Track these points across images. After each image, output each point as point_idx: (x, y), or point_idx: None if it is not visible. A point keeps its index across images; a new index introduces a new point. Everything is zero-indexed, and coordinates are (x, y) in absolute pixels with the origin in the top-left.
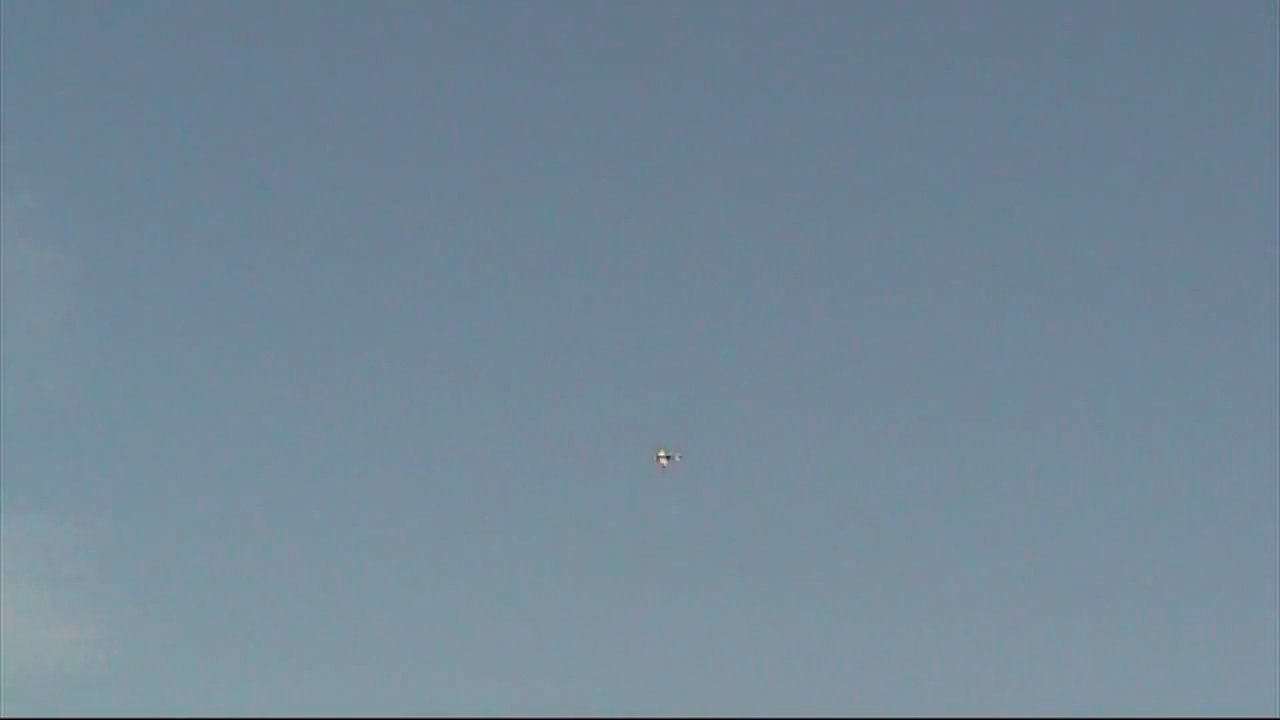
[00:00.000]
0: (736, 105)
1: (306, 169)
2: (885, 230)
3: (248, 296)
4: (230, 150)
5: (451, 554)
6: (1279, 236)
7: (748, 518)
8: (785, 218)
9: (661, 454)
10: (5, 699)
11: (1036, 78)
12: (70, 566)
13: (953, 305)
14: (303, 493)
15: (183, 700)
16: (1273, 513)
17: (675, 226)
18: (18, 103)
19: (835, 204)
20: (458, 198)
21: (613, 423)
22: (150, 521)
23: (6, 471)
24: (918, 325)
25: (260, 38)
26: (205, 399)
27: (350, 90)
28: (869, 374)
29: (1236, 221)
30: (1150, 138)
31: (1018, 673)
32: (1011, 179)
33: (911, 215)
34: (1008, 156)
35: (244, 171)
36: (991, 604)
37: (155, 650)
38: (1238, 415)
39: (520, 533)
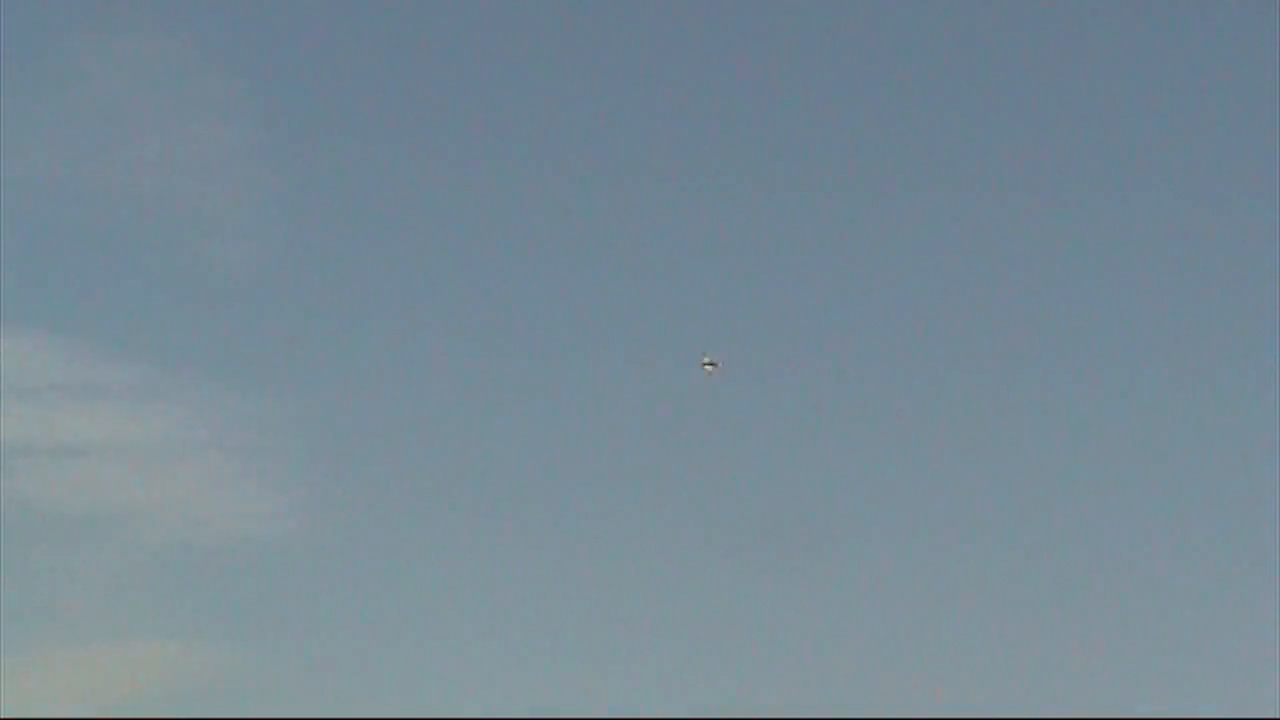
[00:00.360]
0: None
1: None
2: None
3: (429, 135)
4: None
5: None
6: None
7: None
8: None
9: (706, 361)
10: (204, 569)
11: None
12: (266, 439)
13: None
14: (492, 356)
15: (376, 570)
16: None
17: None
18: None
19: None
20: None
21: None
22: (344, 394)
23: (203, 345)
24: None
25: None
26: (395, 265)
27: None
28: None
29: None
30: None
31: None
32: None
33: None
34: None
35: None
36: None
37: (349, 521)
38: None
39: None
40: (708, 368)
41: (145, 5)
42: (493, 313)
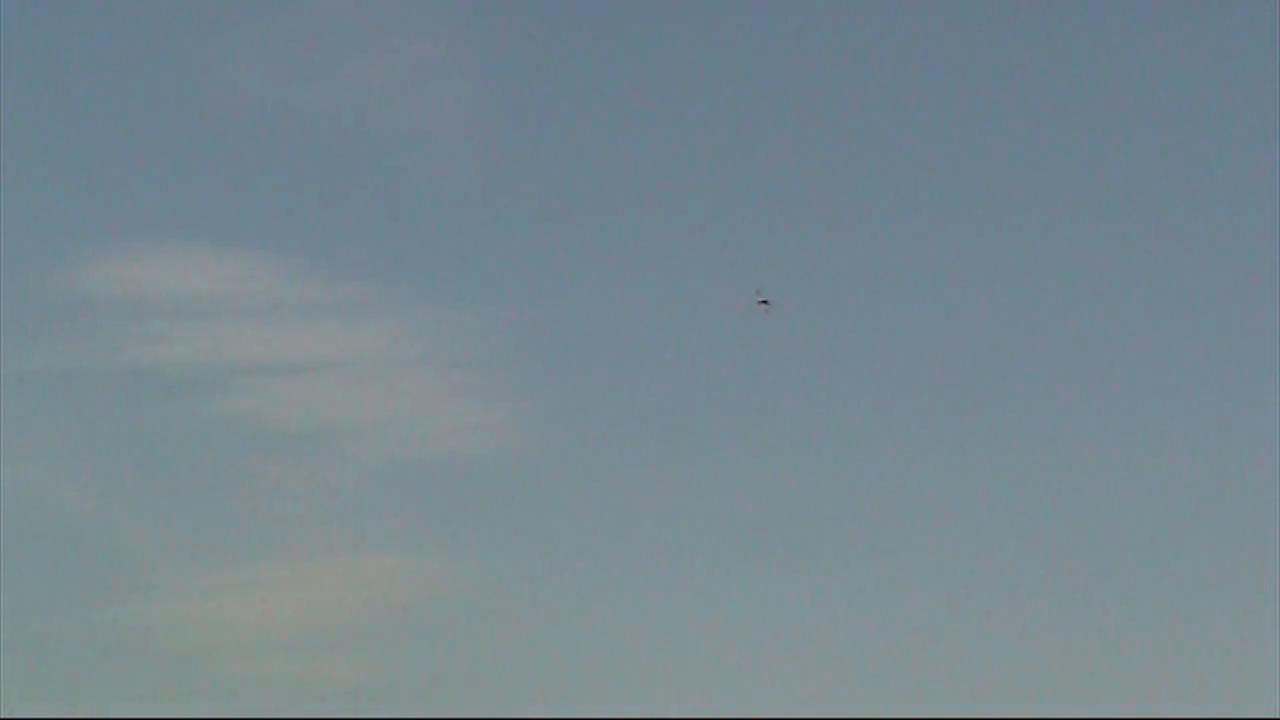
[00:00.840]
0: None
1: None
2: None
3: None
4: None
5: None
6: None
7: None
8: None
9: (760, 297)
10: (425, 483)
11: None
12: (485, 353)
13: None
14: (706, 266)
15: (593, 482)
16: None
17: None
18: None
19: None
20: None
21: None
22: (560, 307)
23: (419, 261)
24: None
25: None
26: (606, 177)
27: None
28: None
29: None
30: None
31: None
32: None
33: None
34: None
35: None
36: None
37: (566, 433)
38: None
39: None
40: (762, 305)
41: None
42: (704, 225)
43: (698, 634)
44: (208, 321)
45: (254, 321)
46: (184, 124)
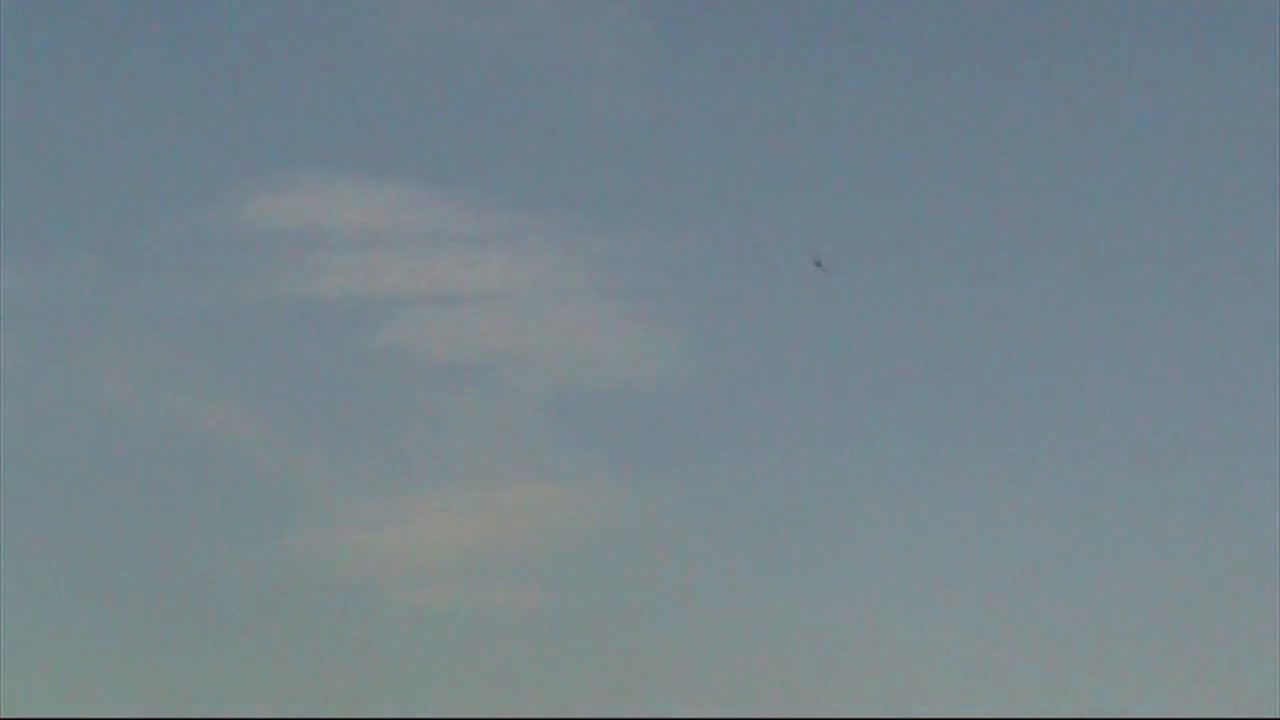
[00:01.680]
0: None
1: None
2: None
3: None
4: None
5: None
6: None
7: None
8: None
9: (816, 260)
10: (588, 413)
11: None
12: (647, 281)
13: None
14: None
15: (760, 412)
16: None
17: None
18: None
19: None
20: None
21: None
22: (723, 236)
23: (580, 190)
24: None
25: None
26: (767, 107)
27: None
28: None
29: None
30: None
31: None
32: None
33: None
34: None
35: None
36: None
37: (731, 362)
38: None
39: None
40: (817, 267)
41: None
42: (861, 163)
43: (868, 564)
44: (366, 252)
45: (413, 252)
46: (341, 54)
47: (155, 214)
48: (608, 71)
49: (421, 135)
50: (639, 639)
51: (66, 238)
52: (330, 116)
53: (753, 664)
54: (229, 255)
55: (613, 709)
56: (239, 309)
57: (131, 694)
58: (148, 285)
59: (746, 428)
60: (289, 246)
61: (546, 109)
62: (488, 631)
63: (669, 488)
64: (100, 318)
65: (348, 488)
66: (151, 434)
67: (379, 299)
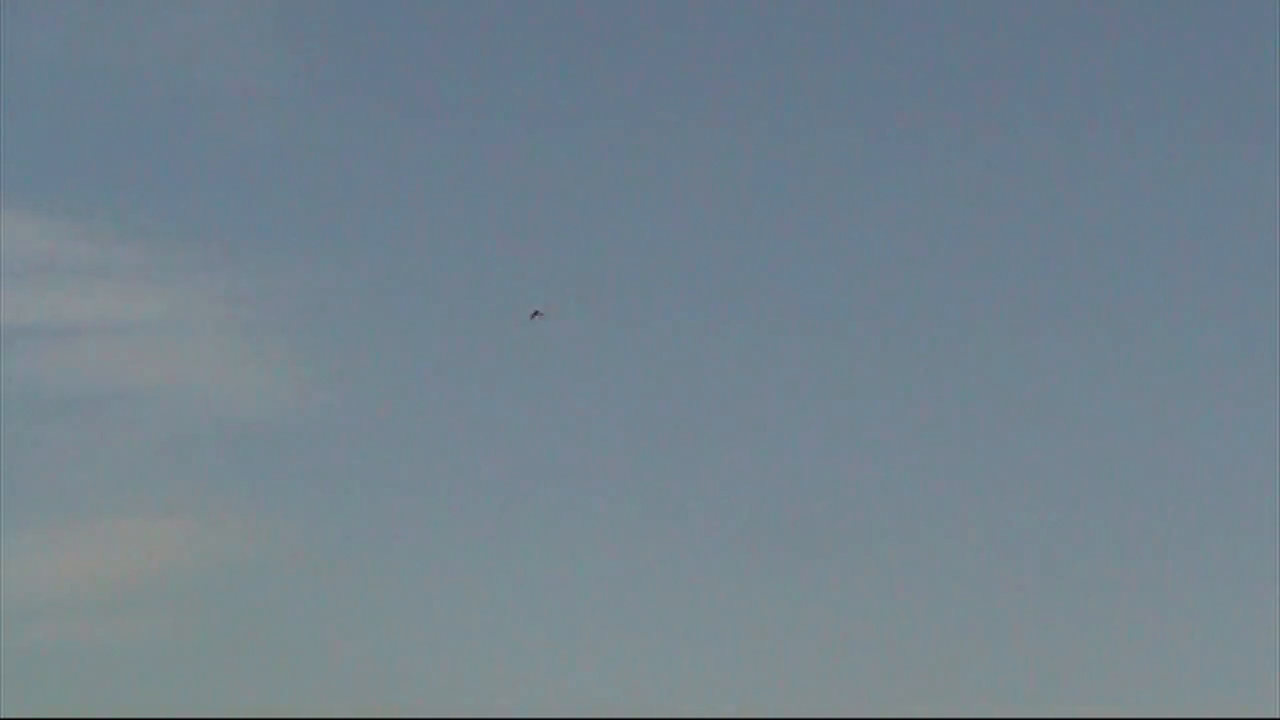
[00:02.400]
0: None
1: None
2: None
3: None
4: None
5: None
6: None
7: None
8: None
9: (535, 310)
10: (208, 450)
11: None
12: (271, 317)
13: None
14: (506, 236)
15: (385, 452)
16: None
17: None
18: None
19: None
20: None
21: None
22: (351, 273)
23: (206, 223)
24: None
25: None
26: (407, 145)
27: None
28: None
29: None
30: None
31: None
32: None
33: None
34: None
35: None
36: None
37: (355, 402)
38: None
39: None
40: (536, 316)
41: None
42: (508, 193)
43: (482, 604)
44: None
45: (29, 284)
46: None
47: None
48: (236, 101)
49: (37, 164)
50: (266, 673)
51: None
52: None
53: (385, 700)
54: None
55: None
56: None
57: None
58: None
59: (372, 464)
60: None
61: (169, 137)
62: (110, 668)
63: (293, 524)
64: None
65: None
66: None
67: None
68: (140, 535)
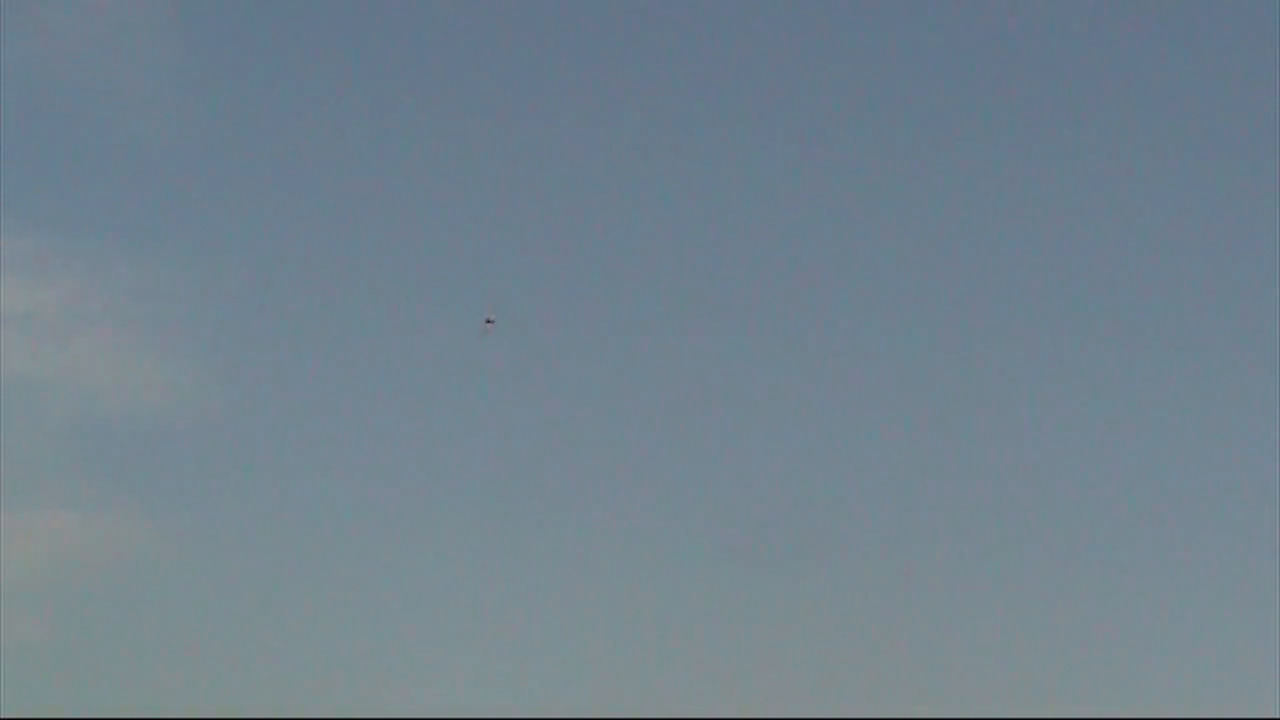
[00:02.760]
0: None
1: None
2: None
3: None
4: None
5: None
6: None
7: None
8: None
9: (488, 316)
10: (103, 441)
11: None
12: (166, 309)
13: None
14: (396, 231)
15: (275, 443)
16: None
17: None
18: None
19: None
20: None
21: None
22: (247, 266)
23: (102, 214)
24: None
25: None
26: (302, 136)
27: None
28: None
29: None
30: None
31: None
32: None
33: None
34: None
35: None
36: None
37: (248, 393)
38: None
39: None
40: (488, 324)
41: None
42: (402, 186)
43: (374, 597)
44: None
45: None
46: None
47: None
48: (140, 97)
49: None
50: (152, 671)
51: None
52: None
53: (268, 691)
54: None
55: None
56: None
57: None
58: None
59: (268, 460)
60: None
61: (77, 132)
62: None
63: (186, 518)
64: None
65: None
66: None
67: None
68: (35, 530)
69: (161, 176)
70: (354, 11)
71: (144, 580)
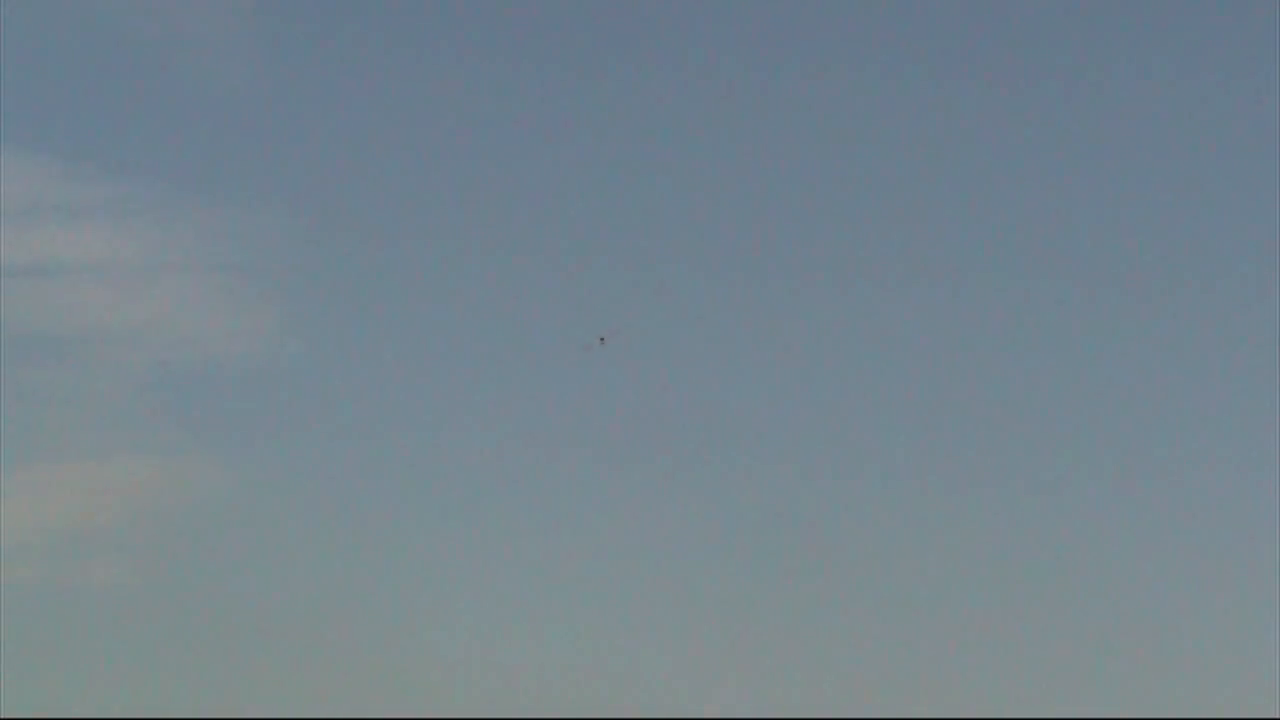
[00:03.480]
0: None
1: None
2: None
3: None
4: None
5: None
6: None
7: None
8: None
9: (601, 338)
10: (185, 387)
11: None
12: (247, 256)
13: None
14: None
15: (357, 388)
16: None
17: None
18: None
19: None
20: None
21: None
22: (327, 212)
23: (184, 162)
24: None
25: None
26: (378, 83)
27: None
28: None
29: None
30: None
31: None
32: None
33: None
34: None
35: None
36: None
37: (329, 338)
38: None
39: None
40: (600, 341)
41: None
42: (480, 132)
43: (455, 543)
44: None
45: (13, 223)
46: None
47: None
48: (217, 43)
49: (22, 103)
50: (235, 616)
51: None
52: None
53: (348, 640)
54: None
55: (205, 686)
56: None
57: None
58: None
59: (346, 406)
60: None
61: (154, 80)
62: (84, 607)
63: (265, 464)
64: None
65: None
66: None
67: None
68: (118, 477)
69: (239, 123)
70: None
71: (223, 525)
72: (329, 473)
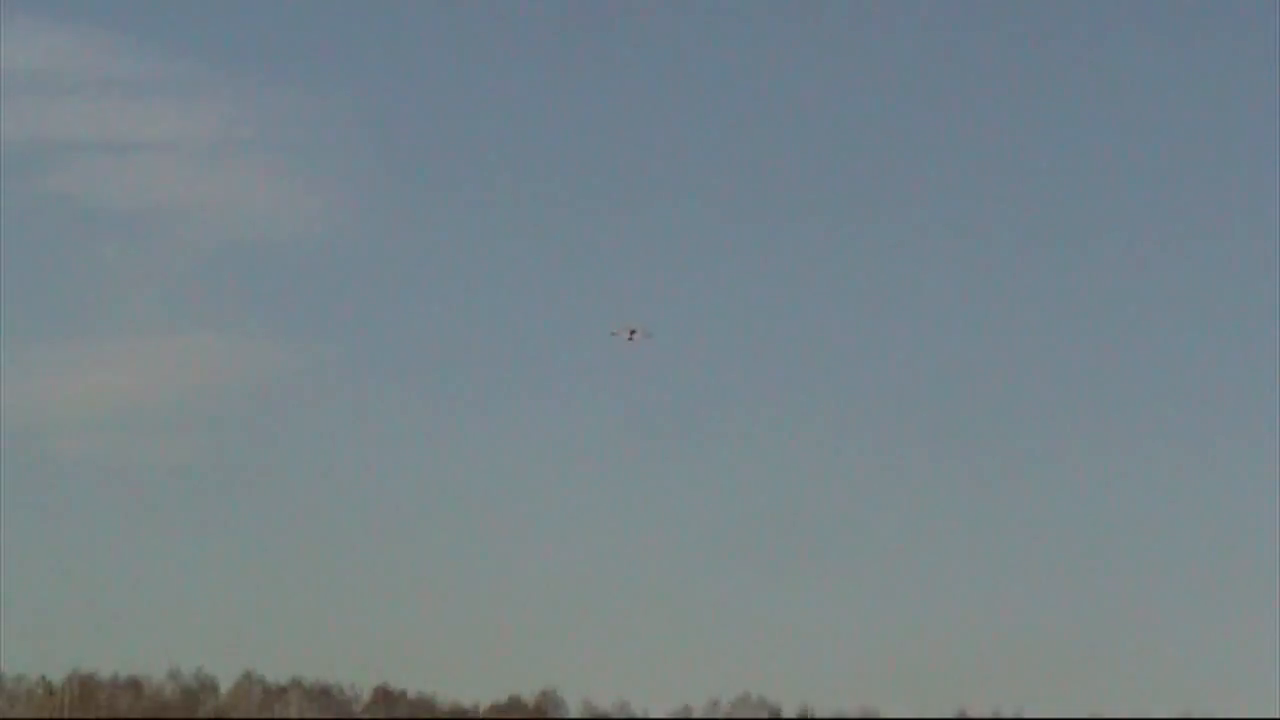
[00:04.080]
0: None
1: None
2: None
3: None
4: None
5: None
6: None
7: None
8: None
9: (630, 329)
10: (251, 265)
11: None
12: (315, 135)
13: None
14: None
15: (420, 269)
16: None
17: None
18: None
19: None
20: None
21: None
22: (394, 92)
23: (252, 40)
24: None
25: None
26: None
27: None
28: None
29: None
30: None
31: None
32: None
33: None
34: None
35: None
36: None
37: (394, 219)
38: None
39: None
40: (631, 335)
41: None
42: (553, 29)
43: (503, 427)
44: (37, 97)
45: (84, 98)
46: None
47: None
48: None
49: None
50: (293, 492)
51: None
52: None
53: (400, 513)
54: None
55: (270, 569)
56: None
57: None
58: None
59: (408, 286)
60: None
61: None
62: (145, 481)
63: (326, 341)
64: None
65: (9, 334)
66: None
67: (48, 144)
68: (181, 352)
69: (311, 5)
70: None
71: (283, 400)
72: (386, 350)
